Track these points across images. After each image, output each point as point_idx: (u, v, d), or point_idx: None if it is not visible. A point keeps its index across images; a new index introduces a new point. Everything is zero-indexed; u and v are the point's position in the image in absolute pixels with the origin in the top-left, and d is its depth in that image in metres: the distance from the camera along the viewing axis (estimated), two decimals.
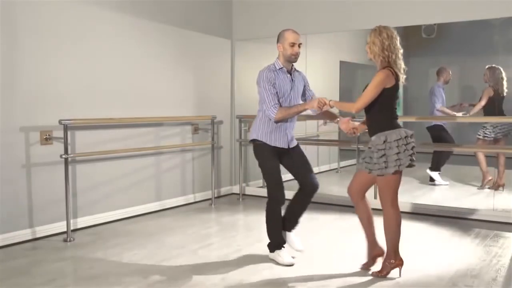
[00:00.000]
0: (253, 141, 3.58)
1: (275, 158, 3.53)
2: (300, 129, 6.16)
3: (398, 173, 3.16)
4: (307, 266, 3.52)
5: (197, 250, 3.93)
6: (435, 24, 5.65)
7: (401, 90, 3.40)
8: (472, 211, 4.98)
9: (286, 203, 3.63)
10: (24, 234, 4.14)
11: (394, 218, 3.22)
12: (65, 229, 4.24)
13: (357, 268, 3.45)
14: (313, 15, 5.74)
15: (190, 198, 5.81)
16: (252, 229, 4.67)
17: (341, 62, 6.90)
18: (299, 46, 3.51)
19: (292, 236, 3.66)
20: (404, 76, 3.27)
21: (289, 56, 3.50)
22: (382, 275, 3.27)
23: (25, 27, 4.10)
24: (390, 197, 3.21)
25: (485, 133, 5.85)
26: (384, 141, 3.13)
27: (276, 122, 3.48)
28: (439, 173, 6.31)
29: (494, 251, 3.88)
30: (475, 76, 6.20)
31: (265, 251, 3.84)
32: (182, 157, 5.71)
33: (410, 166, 3.18)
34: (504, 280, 3.25)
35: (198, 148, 5.89)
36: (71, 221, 4.31)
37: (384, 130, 3.16)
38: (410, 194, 5.94)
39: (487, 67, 5.88)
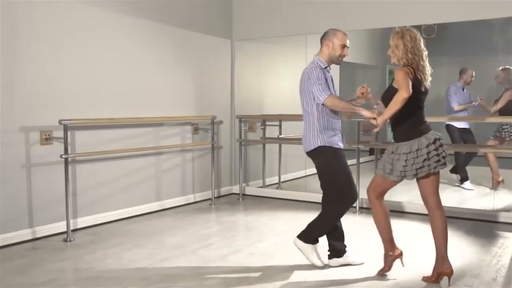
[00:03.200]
0: (318, 148, 3.40)
1: (343, 158, 3.47)
2: (300, 129, 6.17)
3: (396, 181, 3.21)
4: (307, 266, 3.52)
5: (197, 250, 3.93)
6: (435, 24, 5.65)
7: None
8: (472, 211, 4.97)
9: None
10: (24, 234, 4.14)
11: (380, 210, 3.28)
12: (65, 229, 4.24)
13: (357, 268, 3.46)
14: (313, 15, 5.74)
15: (190, 198, 5.80)
16: (252, 229, 4.67)
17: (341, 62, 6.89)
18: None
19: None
20: (430, 79, 3.17)
21: (337, 57, 3.43)
22: (384, 270, 3.29)
23: (25, 27, 4.10)
24: (377, 193, 3.27)
25: (502, 133, 5.77)
26: (393, 152, 3.15)
27: (325, 107, 3.35)
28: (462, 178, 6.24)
29: (494, 251, 3.88)
30: (475, 76, 6.19)
31: (265, 251, 3.83)
32: (182, 157, 5.71)
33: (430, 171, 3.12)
34: (504, 280, 3.25)
35: (198, 148, 5.88)
36: (71, 221, 4.31)
37: (399, 139, 3.14)
38: (410, 194, 5.94)
39: (500, 68, 5.75)
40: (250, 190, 6.28)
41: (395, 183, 3.21)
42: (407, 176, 3.12)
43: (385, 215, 3.30)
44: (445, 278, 3.13)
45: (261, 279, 3.28)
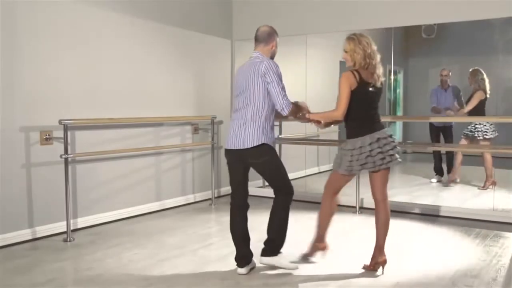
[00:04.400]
0: (262, 145, 3.27)
1: None
2: (300, 129, 6.18)
3: (346, 176, 3.42)
4: (306, 266, 3.53)
5: (197, 250, 3.93)
6: (435, 24, 5.66)
7: (387, 93, 3.48)
8: (472, 211, 4.98)
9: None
10: (24, 234, 4.14)
11: (328, 209, 3.56)
12: (65, 229, 4.24)
13: (356, 267, 3.46)
14: (313, 15, 5.74)
15: (190, 198, 5.81)
16: (251, 229, 4.64)
17: (341, 62, 6.89)
18: None
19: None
20: (383, 79, 3.40)
21: (274, 55, 3.46)
22: (308, 255, 3.64)
23: (25, 27, 4.10)
24: (333, 190, 3.53)
25: (475, 133, 5.96)
26: (341, 148, 3.43)
27: (276, 117, 3.40)
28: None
29: (494, 251, 3.88)
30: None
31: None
32: (182, 157, 5.71)
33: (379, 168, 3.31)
34: (504, 280, 3.25)
35: (198, 148, 5.89)
36: (71, 221, 4.31)
37: (348, 136, 3.39)
38: (410, 194, 5.95)
39: (470, 70, 5.99)
40: (250, 190, 6.17)
41: (347, 178, 3.44)
42: (353, 170, 3.35)
43: (331, 214, 3.58)
44: (380, 268, 3.40)
45: (260, 280, 3.28)
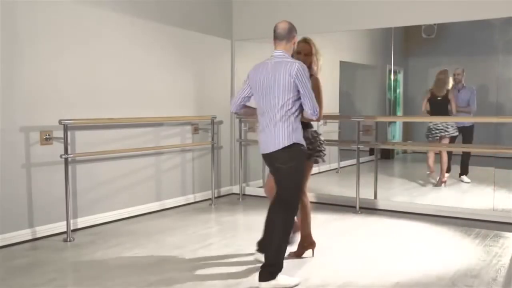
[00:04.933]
0: (294, 145, 3.12)
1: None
2: None
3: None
4: (307, 266, 3.53)
5: (197, 250, 3.93)
6: (435, 24, 5.66)
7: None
8: (472, 211, 4.98)
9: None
10: (24, 234, 4.14)
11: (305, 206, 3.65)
12: (65, 229, 4.24)
13: (356, 267, 3.46)
14: (313, 15, 5.74)
15: (190, 198, 5.81)
16: (252, 229, 4.67)
17: (341, 62, 6.89)
18: None
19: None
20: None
21: (294, 51, 3.39)
22: (297, 254, 3.71)
23: (25, 27, 4.10)
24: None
25: (430, 134, 6.16)
26: None
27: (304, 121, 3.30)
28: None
29: (494, 251, 3.88)
30: (475, 77, 6.21)
31: None
32: (182, 157, 5.71)
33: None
34: (504, 280, 3.26)
35: (198, 148, 5.89)
36: (71, 221, 4.32)
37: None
38: (410, 194, 5.95)
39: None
40: (250, 190, 6.27)
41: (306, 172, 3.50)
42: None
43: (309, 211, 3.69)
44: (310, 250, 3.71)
45: None
